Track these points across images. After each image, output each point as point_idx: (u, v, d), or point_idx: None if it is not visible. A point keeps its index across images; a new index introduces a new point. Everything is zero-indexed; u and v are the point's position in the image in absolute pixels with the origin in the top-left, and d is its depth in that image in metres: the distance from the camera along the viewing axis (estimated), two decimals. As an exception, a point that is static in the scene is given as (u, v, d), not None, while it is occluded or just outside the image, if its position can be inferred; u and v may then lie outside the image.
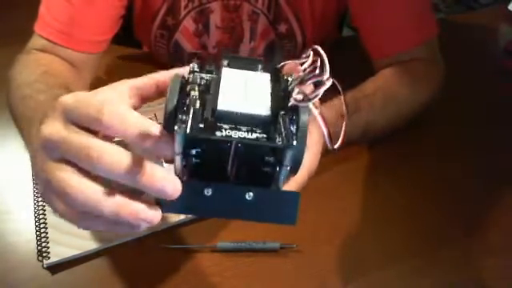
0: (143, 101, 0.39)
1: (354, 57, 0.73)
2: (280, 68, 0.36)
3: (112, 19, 0.70)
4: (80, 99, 0.33)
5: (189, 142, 0.29)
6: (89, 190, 0.32)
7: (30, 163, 0.61)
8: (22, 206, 0.56)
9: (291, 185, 0.40)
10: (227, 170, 0.31)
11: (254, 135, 0.30)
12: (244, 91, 0.32)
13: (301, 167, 0.32)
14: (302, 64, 0.35)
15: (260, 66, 0.35)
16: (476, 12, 1.57)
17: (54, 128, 0.33)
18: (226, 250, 0.52)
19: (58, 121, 0.33)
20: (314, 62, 0.34)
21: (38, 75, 0.58)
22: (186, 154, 0.30)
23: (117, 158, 0.31)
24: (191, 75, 0.34)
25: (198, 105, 0.30)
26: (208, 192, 0.31)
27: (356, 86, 0.65)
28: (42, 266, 0.50)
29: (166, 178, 0.31)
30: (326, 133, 0.34)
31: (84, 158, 0.32)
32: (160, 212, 0.33)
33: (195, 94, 0.31)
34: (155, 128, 0.32)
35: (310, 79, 0.31)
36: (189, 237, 0.54)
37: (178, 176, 0.31)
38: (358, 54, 0.73)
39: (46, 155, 0.34)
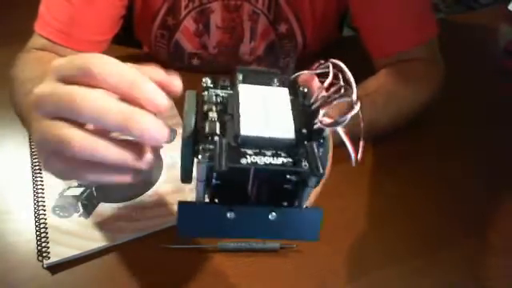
0: None
1: (354, 57, 0.72)
2: (295, 79, 0.36)
3: (112, 19, 0.70)
4: (72, 58, 0.33)
5: (212, 169, 0.29)
6: (87, 137, 0.32)
7: (30, 163, 0.61)
8: (22, 206, 0.56)
9: (310, 197, 0.39)
10: (248, 191, 0.30)
11: (280, 160, 0.29)
12: (264, 111, 0.31)
13: None
14: (319, 76, 0.34)
15: (276, 80, 0.34)
16: (476, 12, 1.56)
17: (43, 87, 0.33)
18: (226, 249, 0.52)
19: (48, 81, 0.33)
20: (335, 76, 0.33)
21: (41, 72, 0.58)
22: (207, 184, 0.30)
23: (102, 102, 0.31)
24: (206, 92, 0.33)
25: (218, 129, 0.30)
26: (231, 215, 0.30)
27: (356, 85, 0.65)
28: (42, 266, 0.50)
29: (152, 122, 0.31)
30: (353, 156, 0.32)
31: (69, 106, 0.31)
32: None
33: (214, 115, 0.31)
34: (146, 77, 0.32)
35: (335, 99, 0.30)
36: (189, 237, 0.54)
37: (199, 200, 0.31)
38: (358, 53, 0.73)
39: (40, 114, 0.33)
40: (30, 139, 0.64)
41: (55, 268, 0.50)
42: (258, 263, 0.51)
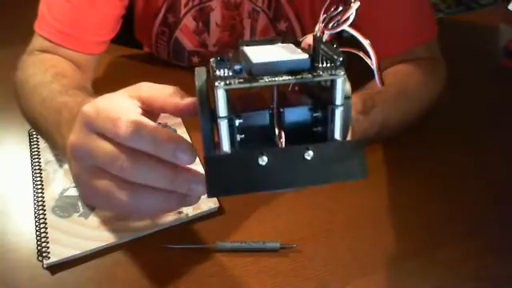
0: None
1: (354, 57, 0.72)
2: (300, 42, 0.34)
3: (113, 20, 0.70)
4: (98, 110, 0.37)
5: (231, 103, 0.27)
6: (130, 193, 0.37)
7: (29, 163, 0.61)
8: (22, 206, 0.56)
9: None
10: (275, 141, 0.28)
11: (298, 76, 0.27)
12: (271, 51, 0.30)
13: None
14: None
15: (279, 42, 0.33)
16: (476, 12, 1.57)
17: (79, 138, 0.38)
18: (225, 250, 0.52)
19: (81, 131, 0.38)
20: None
21: (51, 76, 0.59)
22: (231, 128, 0.28)
23: (147, 165, 0.36)
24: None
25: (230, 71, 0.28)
26: (263, 161, 0.27)
27: (357, 86, 0.65)
28: (42, 265, 0.50)
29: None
30: (374, 61, 0.30)
31: (116, 168, 0.36)
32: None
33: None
34: (170, 134, 0.36)
35: (335, 16, 0.29)
36: (189, 237, 0.54)
37: (223, 151, 0.28)
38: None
39: (78, 164, 0.38)
40: (29, 139, 0.64)
41: (55, 268, 0.50)
42: (258, 263, 0.51)
